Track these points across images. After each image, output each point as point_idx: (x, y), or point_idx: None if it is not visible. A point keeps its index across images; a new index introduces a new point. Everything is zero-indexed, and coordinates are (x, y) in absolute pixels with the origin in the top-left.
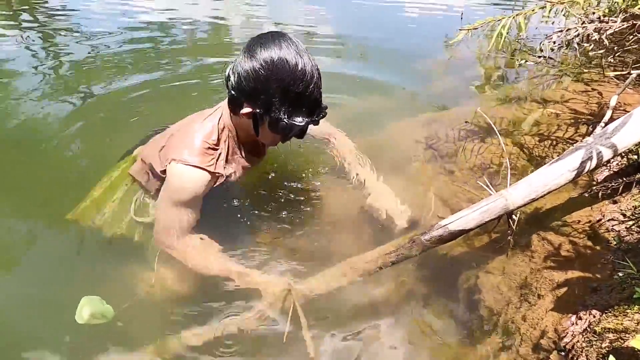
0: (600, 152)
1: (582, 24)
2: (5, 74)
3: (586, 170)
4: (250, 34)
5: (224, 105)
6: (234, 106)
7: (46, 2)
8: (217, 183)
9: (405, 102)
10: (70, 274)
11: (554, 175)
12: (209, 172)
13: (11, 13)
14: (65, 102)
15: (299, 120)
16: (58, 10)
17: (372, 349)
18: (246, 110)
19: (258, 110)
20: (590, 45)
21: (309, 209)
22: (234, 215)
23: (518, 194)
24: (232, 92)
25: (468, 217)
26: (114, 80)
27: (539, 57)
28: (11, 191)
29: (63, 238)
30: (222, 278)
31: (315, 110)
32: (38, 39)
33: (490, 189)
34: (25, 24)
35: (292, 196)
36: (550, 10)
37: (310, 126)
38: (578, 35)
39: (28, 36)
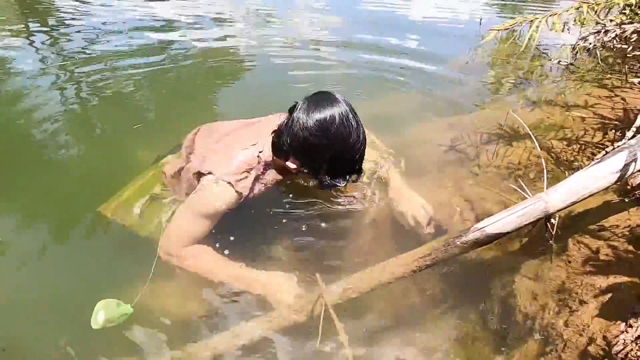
0: None
1: (615, 24)
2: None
3: (630, 172)
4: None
5: (267, 139)
6: (281, 155)
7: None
8: (241, 200)
9: (425, 104)
10: (94, 272)
11: (596, 178)
12: (237, 191)
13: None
14: (87, 102)
15: (340, 182)
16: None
17: (405, 356)
18: (292, 165)
19: (304, 170)
20: (613, 49)
21: (333, 213)
22: (256, 221)
23: (558, 196)
24: (283, 146)
25: (506, 220)
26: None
27: (559, 61)
28: (31, 190)
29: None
30: (229, 285)
31: (357, 170)
32: (46, 40)
33: (526, 192)
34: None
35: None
36: (587, 11)
37: None
38: (615, 36)
39: (37, 39)
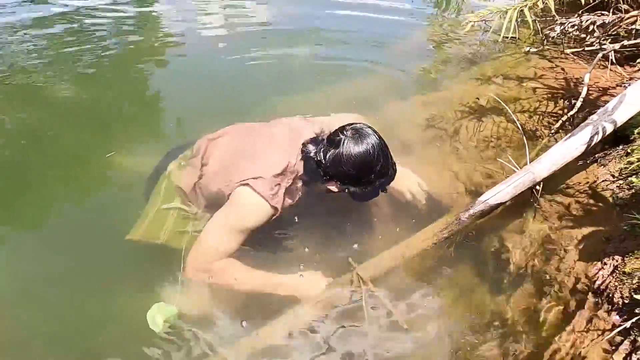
0: (604, 127)
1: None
2: None
3: (594, 142)
4: None
5: (294, 146)
6: (318, 179)
7: None
8: (275, 216)
9: (390, 85)
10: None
11: (570, 149)
12: (275, 208)
13: None
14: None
15: (373, 193)
16: None
17: (426, 305)
18: (332, 187)
19: (338, 188)
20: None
21: (335, 202)
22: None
23: (542, 167)
24: (327, 175)
25: (504, 192)
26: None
27: (505, 37)
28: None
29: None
30: (259, 292)
31: (390, 179)
32: None
33: (515, 165)
34: None
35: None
36: None
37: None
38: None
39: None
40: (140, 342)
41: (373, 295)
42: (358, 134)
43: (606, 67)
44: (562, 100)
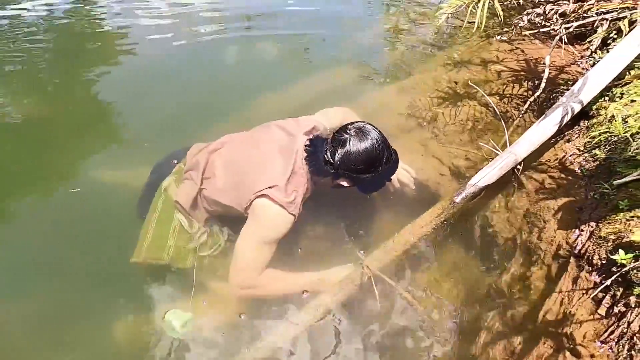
0: (572, 107)
1: None
2: None
3: (564, 122)
4: None
5: (298, 149)
6: (327, 176)
7: None
8: (295, 221)
9: (363, 74)
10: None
11: (544, 130)
12: (294, 215)
13: None
14: None
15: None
16: None
17: (425, 282)
18: (344, 183)
19: (349, 184)
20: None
21: (326, 199)
22: None
23: (522, 148)
24: (336, 173)
25: (491, 174)
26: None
27: (469, 22)
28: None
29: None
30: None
31: (395, 169)
32: None
33: (497, 147)
34: None
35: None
36: None
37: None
38: None
39: None
40: None
41: (383, 282)
42: (361, 131)
43: (560, 47)
44: (525, 81)
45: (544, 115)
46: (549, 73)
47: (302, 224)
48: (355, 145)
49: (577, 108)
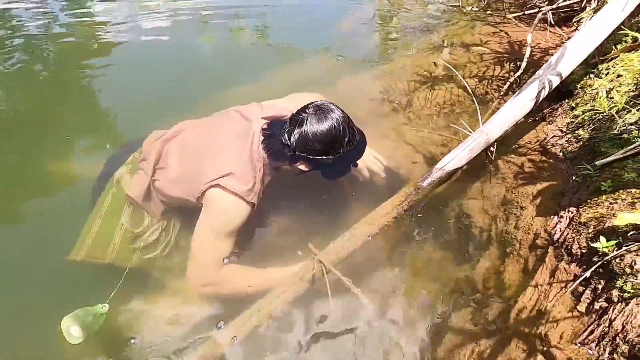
0: (550, 80)
1: None
2: None
3: (542, 97)
4: None
5: (254, 132)
6: (286, 160)
7: None
8: (254, 210)
9: (343, 61)
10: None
11: (520, 106)
12: (253, 203)
13: None
14: None
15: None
16: None
17: (391, 286)
18: (302, 167)
19: (309, 168)
20: None
21: (291, 188)
22: None
23: (495, 127)
24: (289, 153)
25: (459, 156)
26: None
27: (452, 6)
28: None
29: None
30: (267, 289)
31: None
32: None
33: (468, 128)
34: None
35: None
36: None
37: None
38: None
39: None
40: None
41: (335, 277)
42: (320, 110)
43: (546, 29)
44: (508, 63)
45: (519, 91)
46: (534, 55)
47: (263, 214)
48: (313, 124)
49: (556, 81)
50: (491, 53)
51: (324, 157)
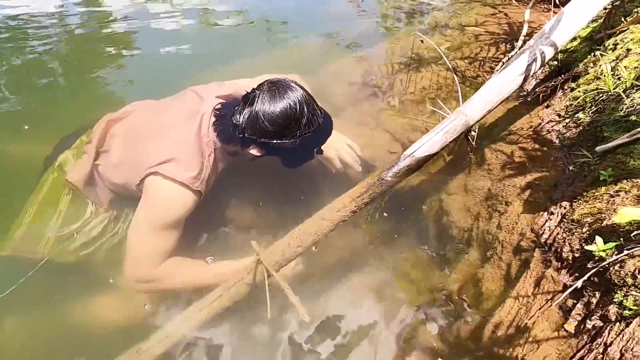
0: (542, 51)
1: None
2: None
3: (533, 71)
4: None
5: (204, 113)
6: (237, 144)
7: None
8: (201, 198)
9: (327, 47)
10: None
11: (505, 82)
12: (199, 191)
13: None
14: None
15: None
16: None
17: (357, 298)
18: (254, 151)
19: (262, 152)
20: None
21: (256, 175)
22: None
23: (475, 107)
24: (239, 134)
25: (432, 141)
26: None
27: None
28: None
29: None
30: (214, 285)
31: (324, 138)
32: None
33: (444, 110)
34: None
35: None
36: None
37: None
38: None
39: None
40: None
41: (277, 284)
42: (275, 87)
43: (549, 10)
44: (504, 44)
45: (505, 64)
46: (533, 35)
47: (220, 205)
48: (265, 103)
49: (549, 52)
50: (487, 34)
51: (278, 140)
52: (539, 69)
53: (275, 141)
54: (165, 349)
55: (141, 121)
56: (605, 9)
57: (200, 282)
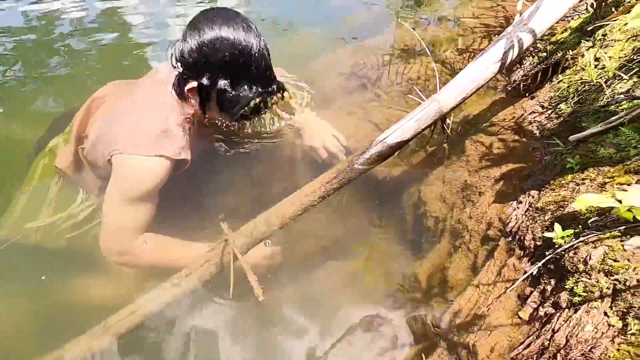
0: (520, 39)
1: None
2: None
3: (510, 59)
4: None
5: (167, 83)
6: (180, 84)
7: None
8: (181, 170)
9: (324, 38)
10: None
11: (480, 70)
12: (167, 159)
13: None
14: None
15: (246, 91)
16: None
17: (330, 287)
18: (191, 85)
19: (205, 82)
20: None
21: (241, 160)
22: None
23: (449, 94)
24: (177, 69)
25: (404, 127)
26: None
27: None
28: None
29: None
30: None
31: (264, 83)
32: None
33: (421, 96)
34: None
35: (221, 148)
36: None
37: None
38: None
39: None
40: None
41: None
42: (209, 12)
43: None
44: (497, 35)
45: (481, 52)
46: None
47: (196, 191)
48: (194, 33)
49: (528, 40)
50: (482, 26)
51: (205, 79)
52: (516, 56)
53: (204, 80)
54: (133, 324)
55: (115, 101)
56: (584, 2)
57: (175, 263)
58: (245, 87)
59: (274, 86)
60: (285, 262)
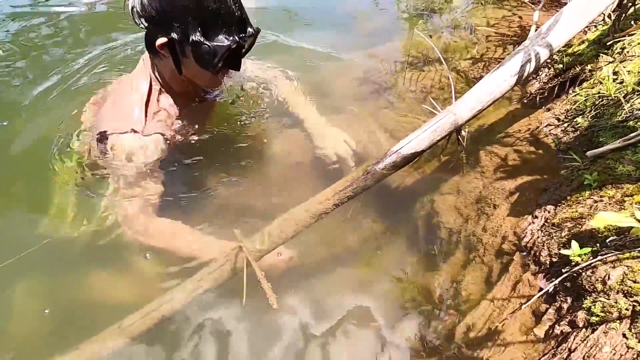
0: (537, 52)
1: None
2: None
3: (527, 72)
4: None
5: (145, 57)
6: (149, 43)
7: None
8: (171, 144)
9: (340, 40)
10: None
11: (497, 82)
12: (158, 134)
13: None
14: None
15: (222, 40)
16: None
17: (343, 295)
18: (161, 40)
19: (175, 36)
20: None
21: (252, 161)
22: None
23: (465, 106)
24: (141, 24)
25: (419, 139)
26: None
27: None
28: None
29: None
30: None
31: (240, 27)
32: None
33: (436, 108)
34: None
35: (233, 149)
36: None
37: (252, 70)
38: None
39: None
40: None
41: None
42: None
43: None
44: (512, 45)
45: (499, 64)
46: None
47: (205, 187)
48: None
49: (545, 54)
50: (497, 35)
51: (174, 33)
52: (534, 70)
53: (170, 30)
54: (147, 327)
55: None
56: (602, 14)
57: (181, 252)
58: (220, 35)
59: (250, 29)
60: (296, 269)
